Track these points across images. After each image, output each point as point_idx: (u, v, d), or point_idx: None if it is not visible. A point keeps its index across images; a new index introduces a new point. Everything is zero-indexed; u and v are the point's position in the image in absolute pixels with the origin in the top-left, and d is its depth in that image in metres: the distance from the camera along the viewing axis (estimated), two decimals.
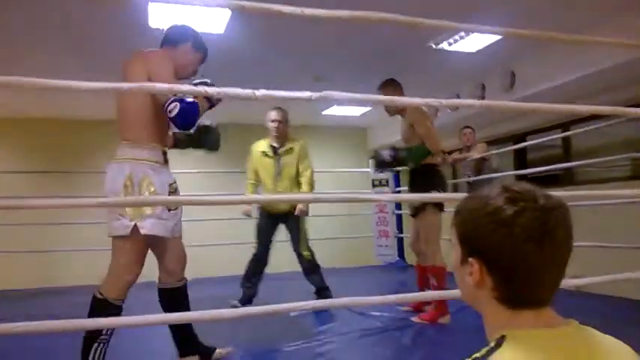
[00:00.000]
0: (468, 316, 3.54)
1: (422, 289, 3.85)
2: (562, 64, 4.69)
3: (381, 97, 1.79)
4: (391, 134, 7.90)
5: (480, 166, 5.44)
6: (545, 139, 5.52)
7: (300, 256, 4.52)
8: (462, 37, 4.51)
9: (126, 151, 2.34)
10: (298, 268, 4.59)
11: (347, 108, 7.19)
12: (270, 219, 4.54)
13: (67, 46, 4.54)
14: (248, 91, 1.54)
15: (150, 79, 2.21)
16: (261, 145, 4.64)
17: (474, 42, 4.62)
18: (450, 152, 5.83)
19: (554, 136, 5.38)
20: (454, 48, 4.76)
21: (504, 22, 3.09)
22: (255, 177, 4.66)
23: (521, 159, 6.47)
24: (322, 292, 4.44)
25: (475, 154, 5.40)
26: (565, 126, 5.66)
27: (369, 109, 7.25)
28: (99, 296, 2.28)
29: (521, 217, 0.78)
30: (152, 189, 2.27)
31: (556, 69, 4.77)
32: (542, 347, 0.76)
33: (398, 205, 7.03)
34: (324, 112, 7.40)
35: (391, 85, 3.97)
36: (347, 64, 5.29)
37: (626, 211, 4.16)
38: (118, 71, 2.53)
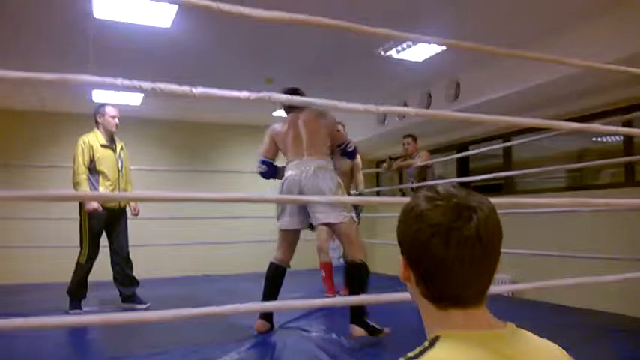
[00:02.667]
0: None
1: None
2: (505, 76, 4.86)
3: (323, 100, 1.78)
4: None
5: (424, 173, 5.56)
6: (486, 148, 5.70)
7: (127, 260, 4.36)
8: (409, 46, 4.60)
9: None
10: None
11: None
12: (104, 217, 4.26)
13: (6, 33, 4.33)
14: (185, 88, 1.50)
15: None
16: (99, 138, 4.25)
17: (420, 51, 4.71)
18: (396, 159, 5.92)
19: (495, 147, 5.57)
20: (402, 56, 4.84)
21: (450, 33, 3.17)
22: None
23: (463, 167, 6.66)
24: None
25: (418, 162, 5.51)
26: (506, 137, 5.87)
27: None
28: (361, 262, 3.21)
29: (430, 213, 0.81)
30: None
31: (500, 81, 4.93)
32: (474, 348, 0.77)
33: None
34: (274, 114, 7.37)
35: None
36: (297, 67, 5.29)
37: (562, 220, 4.35)
38: (60, 61, 2.44)
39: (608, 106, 4.69)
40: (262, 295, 3.41)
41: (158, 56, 4.88)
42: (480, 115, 2.09)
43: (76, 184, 4.06)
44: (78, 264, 4.16)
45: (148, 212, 5.10)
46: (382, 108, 1.79)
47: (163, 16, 3.96)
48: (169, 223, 6.33)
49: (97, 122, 4.27)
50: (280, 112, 7.29)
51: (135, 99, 6.47)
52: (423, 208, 0.82)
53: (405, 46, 4.56)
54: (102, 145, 4.22)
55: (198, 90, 1.51)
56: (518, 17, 4.01)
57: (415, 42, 4.32)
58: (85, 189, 3.99)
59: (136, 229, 4.59)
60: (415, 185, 5.64)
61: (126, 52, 4.76)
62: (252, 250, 7.15)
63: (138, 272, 4.46)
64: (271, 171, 3.66)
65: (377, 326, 3.16)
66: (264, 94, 1.59)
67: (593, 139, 5.38)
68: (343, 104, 1.72)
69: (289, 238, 3.54)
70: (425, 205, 0.83)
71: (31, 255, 6.20)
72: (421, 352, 0.77)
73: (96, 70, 5.06)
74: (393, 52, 4.75)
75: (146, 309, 4.18)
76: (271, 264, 3.54)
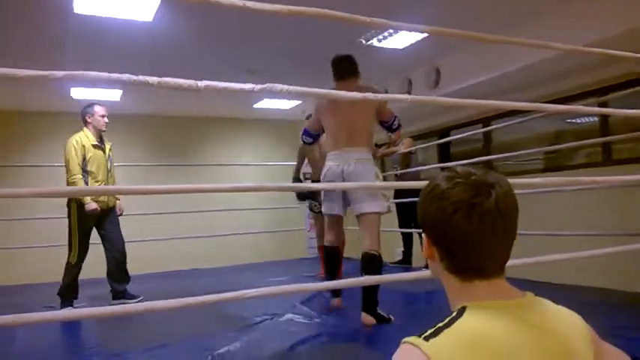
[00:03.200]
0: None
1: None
2: (484, 62, 4.95)
3: (323, 90, 1.83)
4: None
5: (407, 159, 5.66)
6: (467, 134, 5.80)
7: (123, 254, 4.36)
8: (390, 34, 4.66)
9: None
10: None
11: (278, 101, 7.20)
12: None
13: None
14: (191, 82, 1.53)
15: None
16: (90, 138, 4.23)
17: (402, 39, 4.78)
18: (380, 146, 6.00)
19: (476, 131, 5.67)
20: (383, 44, 4.90)
21: (431, 19, 3.23)
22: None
23: (444, 153, 6.77)
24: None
25: (402, 149, 5.60)
26: (486, 121, 5.99)
27: (299, 102, 7.29)
28: (377, 254, 3.26)
29: (452, 191, 0.87)
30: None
31: (479, 67, 5.03)
32: (500, 316, 0.82)
33: None
34: (255, 106, 7.37)
35: None
36: (280, 57, 5.30)
37: (546, 200, 4.47)
38: (39, 57, 2.43)
39: (584, 87, 4.83)
40: (326, 274, 3.84)
41: (140, 50, 4.85)
42: (467, 100, 2.16)
43: (71, 184, 4.03)
44: (68, 264, 4.12)
45: (132, 209, 5.10)
46: (380, 96, 1.85)
47: (145, 10, 3.93)
48: (153, 218, 6.30)
49: (86, 122, 4.24)
50: (262, 104, 7.31)
51: (114, 95, 6.41)
52: (444, 187, 0.88)
53: (386, 34, 4.62)
54: (93, 145, 4.20)
55: (203, 83, 1.54)
56: (496, 3, 4.09)
57: (397, 30, 4.37)
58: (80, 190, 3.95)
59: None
60: (399, 172, 5.73)
61: (106, 48, 4.71)
62: (241, 242, 7.21)
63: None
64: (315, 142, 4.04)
65: (386, 316, 3.27)
66: (267, 85, 1.63)
67: (568, 120, 5.53)
68: (344, 93, 1.77)
69: (333, 222, 3.72)
70: (445, 184, 0.88)
71: (15, 255, 6.13)
72: (450, 322, 0.82)
73: (74, 65, 5.00)
74: (374, 41, 4.81)
75: (140, 302, 4.19)
76: (325, 247, 3.87)
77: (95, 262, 4.31)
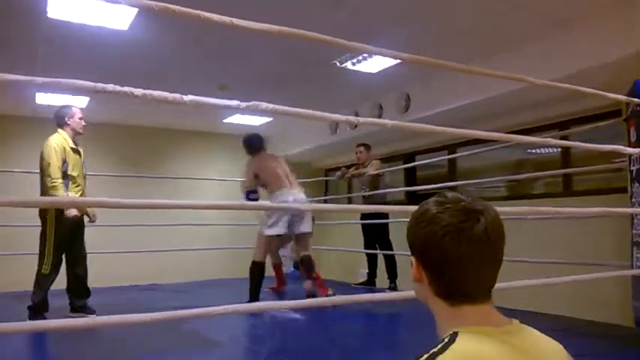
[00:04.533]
0: None
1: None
2: (453, 91, 5.09)
3: (306, 111, 1.85)
4: (291, 144, 8.04)
5: (376, 181, 5.73)
6: (433, 159, 5.92)
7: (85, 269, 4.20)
8: (364, 59, 4.74)
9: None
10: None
11: (249, 117, 7.19)
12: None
13: None
14: (176, 95, 1.52)
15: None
16: (68, 141, 4.05)
17: (375, 63, 4.87)
18: (349, 167, 6.06)
19: (442, 158, 5.78)
20: (357, 68, 4.98)
21: (404, 47, 3.32)
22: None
23: (411, 176, 6.88)
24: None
25: (371, 170, 5.67)
26: (451, 148, 6.14)
27: (270, 119, 7.30)
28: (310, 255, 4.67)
29: (442, 215, 0.89)
30: None
31: (448, 95, 5.16)
32: (492, 342, 0.84)
33: None
34: (224, 120, 7.33)
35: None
36: (252, 75, 5.32)
37: (508, 227, 4.57)
38: (7, 61, 2.38)
39: (546, 120, 5.02)
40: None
41: (112, 59, 4.77)
42: (441, 128, 2.23)
43: (52, 189, 3.75)
44: (41, 276, 3.86)
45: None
46: (362, 119, 1.88)
47: (121, 19, 3.89)
48: (114, 230, 6.14)
49: (64, 123, 4.03)
50: (232, 119, 7.28)
51: (80, 102, 6.26)
52: (434, 211, 0.91)
53: (360, 58, 4.70)
54: (72, 149, 4.00)
55: (189, 98, 1.53)
56: (467, 34, 4.23)
57: (373, 54, 4.45)
58: (62, 194, 3.75)
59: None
60: (368, 193, 5.79)
61: (78, 55, 4.63)
62: (200, 258, 7.09)
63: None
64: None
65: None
66: (252, 103, 1.63)
67: (529, 150, 5.74)
68: (325, 114, 1.79)
69: (275, 243, 4.89)
70: (435, 209, 0.91)
71: None
72: (444, 347, 0.82)
73: (45, 70, 4.89)
74: (348, 64, 4.88)
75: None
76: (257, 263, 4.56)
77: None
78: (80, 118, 4.11)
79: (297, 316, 3.80)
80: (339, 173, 6.08)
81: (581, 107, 4.56)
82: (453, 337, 0.85)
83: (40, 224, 3.95)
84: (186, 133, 8.00)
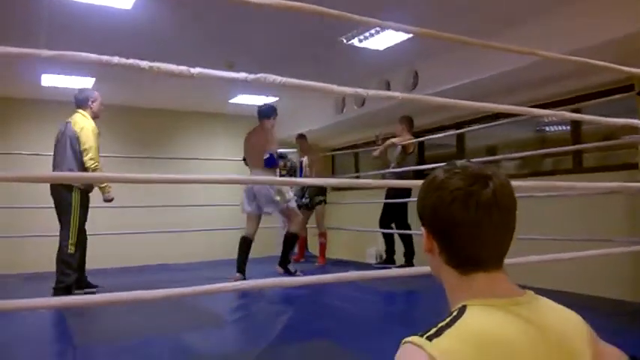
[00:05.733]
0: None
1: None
2: (461, 67, 5.02)
3: (313, 83, 1.81)
4: (295, 127, 7.99)
5: (402, 159, 5.63)
6: (441, 135, 5.84)
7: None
8: (372, 35, 4.67)
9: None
10: None
11: (254, 97, 7.15)
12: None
13: None
14: (183, 68, 1.50)
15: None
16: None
17: (382, 40, 4.80)
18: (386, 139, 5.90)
19: (450, 133, 5.69)
20: (364, 45, 4.91)
21: (412, 22, 3.26)
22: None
23: (418, 155, 6.82)
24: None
25: (395, 140, 5.59)
26: (458, 126, 6.07)
27: (275, 100, 7.25)
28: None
29: (450, 180, 0.88)
30: None
31: (455, 72, 5.09)
32: (502, 314, 0.82)
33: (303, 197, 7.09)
34: (230, 101, 7.29)
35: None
36: (258, 53, 5.25)
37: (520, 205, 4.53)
38: (10, 41, 2.35)
39: (558, 96, 4.94)
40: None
41: (115, 39, 4.72)
42: (458, 101, 2.17)
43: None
44: (68, 256, 3.93)
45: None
46: (371, 92, 1.84)
47: None
48: (121, 211, 6.16)
49: (85, 106, 4.17)
50: (238, 100, 7.24)
51: (86, 83, 6.24)
52: (443, 177, 0.89)
53: (367, 34, 4.63)
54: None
55: (196, 70, 1.51)
56: (476, 9, 4.15)
57: (382, 29, 4.39)
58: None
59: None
60: (392, 170, 5.61)
61: (81, 34, 4.58)
62: (215, 238, 7.11)
63: (94, 261, 4.37)
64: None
65: (292, 271, 4.93)
66: (260, 75, 1.60)
67: (539, 128, 5.68)
68: (334, 86, 1.76)
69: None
70: (444, 175, 0.90)
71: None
72: (452, 321, 0.81)
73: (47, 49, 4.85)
74: (355, 41, 4.81)
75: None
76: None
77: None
78: (101, 103, 4.28)
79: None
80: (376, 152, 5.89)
81: (592, 82, 4.49)
82: (462, 311, 0.83)
83: (52, 205, 4.05)
84: (192, 114, 7.97)
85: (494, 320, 0.81)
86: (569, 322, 0.89)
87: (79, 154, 3.95)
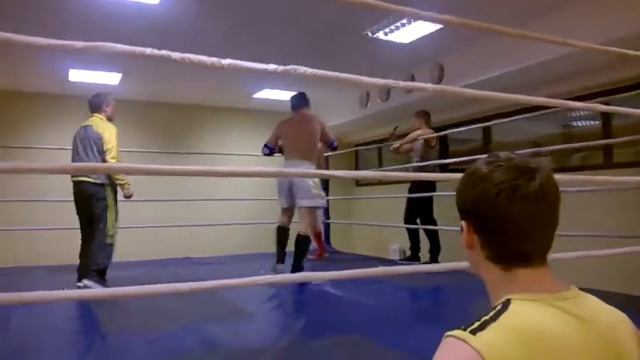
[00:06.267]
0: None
1: None
2: (487, 60, 4.94)
3: (346, 75, 1.80)
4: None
5: (425, 152, 5.50)
6: (467, 128, 5.75)
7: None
8: (397, 28, 4.62)
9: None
10: None
11: (278, 92, 7.15)
12: None
13: None
14: (214, 59, 1.49)
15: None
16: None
17: (408, 33, 4.75)
18: (403, 136, 5.81)
19: (476, 126, 5.59)
20: (389, 38, 4.87)
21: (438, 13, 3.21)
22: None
23: (442, 151, 6.74)
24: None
25: (417, 134, 5.48)
26: (484, 120, 5.96)
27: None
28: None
29: (494, 173, 0.85)
30: None
31: (482, 65, 5.02)
32: (548, 309, 0.80)
33: (325, 191, 7.08)
34: (254, 96, 7.31)
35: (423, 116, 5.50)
36: (284, 47, 5.25)
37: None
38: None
39: (587, 90, 4.83)
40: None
41: (142, 34, 4.75)
42: (499, 94, 2.13)
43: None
44: (107, 245, 4.13)
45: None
46: (402, 83, 1.82)
47: None
48: (149, 205, 6.24)
49: (101, 109, 4.30)
50: (262, 95, 7.26)
51: (112, 79, 6.33)
52: (486, 170, 0.87)
53: (394, 27, 4.58)
54: None
55: (226, 61, 1.50)
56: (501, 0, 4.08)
57: (410, 21, 4.35)
58: (122, 175, 4.15)
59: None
60: (416, 164, 5.53)
61: (109, 31, 4.63)
62: (238, 232, 7.16)
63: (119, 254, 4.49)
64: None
65: None
66: (290, 67, 1.59)
67: (564, 123, 5.58)
68: (363, 78, 1.74)
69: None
70: (487, 167, 0.87)
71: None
72: (496, 315, 0.78)
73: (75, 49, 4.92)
74: (380, 34, 4.77)
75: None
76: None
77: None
78: (114, 106, 4.40)
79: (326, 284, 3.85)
80: (394, 143, 5.82)
81: (623, 75, 4.37)
82: (506, 305, 0.80)
83: (72, 199, 4.22)
84: (217, 110, 8.02)
85: (541, 315, 0.79)
86: (616, 319, 0.87)
87: (103, 155, 4.11)
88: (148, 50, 1.39)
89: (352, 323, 3.06)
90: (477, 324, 0.77)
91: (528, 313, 0.79)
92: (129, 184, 4.18)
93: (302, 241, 4.30)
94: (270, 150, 4.84)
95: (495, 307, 0.81)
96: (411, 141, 5.56)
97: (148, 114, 7.56)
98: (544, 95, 4.96)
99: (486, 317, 0.79)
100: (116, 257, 4.48)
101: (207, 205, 6.94)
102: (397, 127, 5.84)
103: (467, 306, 3.21)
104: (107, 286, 3.98)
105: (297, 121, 4.64)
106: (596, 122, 4.93)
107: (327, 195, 6.99)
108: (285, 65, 1.72)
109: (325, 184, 6.38)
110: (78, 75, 6.09)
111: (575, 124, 5.47)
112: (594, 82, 4.68)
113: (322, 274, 1.91)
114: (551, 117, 5.16)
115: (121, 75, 6.17)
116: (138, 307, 3.44)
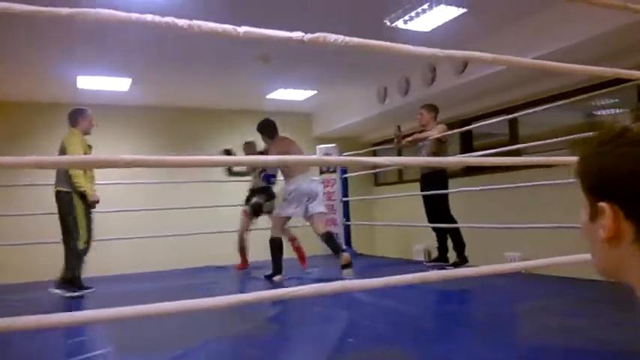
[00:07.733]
0: None
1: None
2: (512, 48, 4.64)
3: (382, 43, 1.55)
4: (335, 121, 7.74)
5: (437, 148, 5.15)
6: (493, 120, 5.46)
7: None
8: (417, 15, 4.37)
9: None
10: None
11: (291, 92, 6.93)
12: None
13: None
14: (227, 26, 1.25)
15: None
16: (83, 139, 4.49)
17: (429, 20, 4.49)
18: (405, 136, 5.54)
19: (506, 117, 5.30)
20: (408, 26, 4.61)
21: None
22: None
23: (466, 145, 6.46)
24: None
25: (435, 134, 5.11)
26: (510, 111, 5.67)
27: (313, 93, 7.01)
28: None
29: None
30: None
31: (505, 53, 4.71)
32: None
33: (345, 193, 6.82)
34: (268, 96, 7.09)
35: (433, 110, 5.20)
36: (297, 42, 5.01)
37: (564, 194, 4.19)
38: (47, 41, 2.16)
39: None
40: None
41: (147, 35, 4.55)
42: (570, 65, 1.89)
43: (74, 177, 4.14)
44: (79, 250, 4.14)
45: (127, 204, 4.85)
46: (452, 52, 1.56)
47: None
48: (143, 214, 6.03)
49: (77, 123, 4.38)
50: (275, 95, 7.04)
51: (122, 85, 6.14)
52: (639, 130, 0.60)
53: (414, 14, 4.33)
54: (88, 145, 4.42)
55: (242, 29, 1.27)
56: None
57: (432, 6, 4.11)
58: (82, 181, 4.14)
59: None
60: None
61: (116, 28, 4.43)
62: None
63: (115, 267, 4.34)
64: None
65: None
66: (319, 34, 1.35)
67: (595, 112, 5.34)
68: (400, 45, 1.48)
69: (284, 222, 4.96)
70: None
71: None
72: None
73: (83, 47, 4.74)
74: (399, 23, 4.52)
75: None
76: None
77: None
78: (90, 122, 4.43)
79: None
80: (395, 140, 5.55)
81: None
82: None
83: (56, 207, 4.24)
84: (228, 113, 7.82)
85: None
86: None
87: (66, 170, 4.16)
88: (149, 17, 1.16)
89: (388, 333, 2.80)
90: None
91: None
92: (88, 191, 4.16)
93: (331, 236, 4.80)
94: (274, 177, 5.24)
95: None
96: (423, 139, 5.21)
97: (159, 119, 7.40)
98: (572, 82, 4.75)
99: None
100: (135, 268, 4.33)
101: (219, 212, 6.64)
102: (399, 125, 5.55)
103: (498, 309, 2.99)
104: (76, 294, 4.08)
105: (288, 140, 4.97)
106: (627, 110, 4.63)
107: (346, 196, 6.76)
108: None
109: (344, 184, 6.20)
110: (86, 82, 5.92)
111: (597, 112, 5.20)
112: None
113: (362, 282, 1.67)
114: (578, 107, 4.89)
115: (130, 80, 5.98)
116: (147, 321, 3.19)
